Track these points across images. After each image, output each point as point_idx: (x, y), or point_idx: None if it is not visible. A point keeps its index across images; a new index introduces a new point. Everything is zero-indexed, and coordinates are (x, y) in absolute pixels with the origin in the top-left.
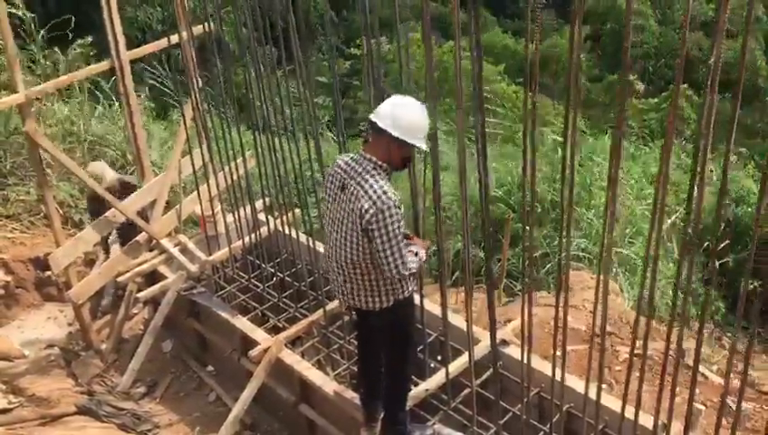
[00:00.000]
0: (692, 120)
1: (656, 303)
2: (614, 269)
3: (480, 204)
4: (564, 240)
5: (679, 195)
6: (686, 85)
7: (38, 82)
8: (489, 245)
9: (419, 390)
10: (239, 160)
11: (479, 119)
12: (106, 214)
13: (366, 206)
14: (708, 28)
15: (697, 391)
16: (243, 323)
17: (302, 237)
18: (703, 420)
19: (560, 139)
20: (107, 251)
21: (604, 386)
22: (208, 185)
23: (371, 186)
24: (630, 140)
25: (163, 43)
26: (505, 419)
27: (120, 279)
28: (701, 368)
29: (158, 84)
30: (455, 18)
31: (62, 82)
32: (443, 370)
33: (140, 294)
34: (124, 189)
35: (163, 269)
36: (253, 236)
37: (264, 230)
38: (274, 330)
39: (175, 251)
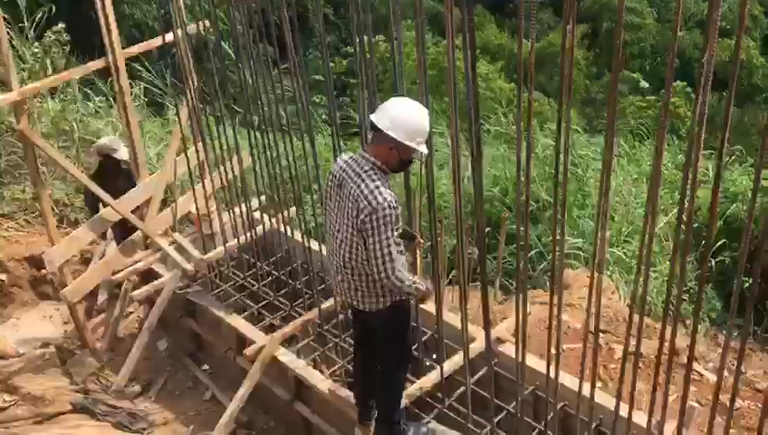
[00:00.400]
0: (688, 118)
1: (652, 301)
2: (610, 268)
3: (475, 202)
4: (558, 237)
5: (675, 193)
6: (684, 83)
7: (25, 78)
8: (482, 243)
9: (414, 388)
10: (234, 159)
11: (472, 117)
12: (101, 212)
13: (361, 205)
14: (705, 26)
15: (693, 388)
16: (238, 322)
17: (298, 236)
18: (697, 418)
19: (551, 142)
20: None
21: (599, 384)
22: (203, 183)
23: (367, 186)
24: (625, 138)
25: (158, 41)
26: (500, 416)
27: (114, 278)
28: (697, 366)
29: (152, 86)
30: (447, 16)
31: (58, 79)
32: (438, 368)
33: (135, 293)
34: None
35: (158, 268)
36: (248, 234)
37: (259, 229)
38: (270, 328)
39: (170, 249)
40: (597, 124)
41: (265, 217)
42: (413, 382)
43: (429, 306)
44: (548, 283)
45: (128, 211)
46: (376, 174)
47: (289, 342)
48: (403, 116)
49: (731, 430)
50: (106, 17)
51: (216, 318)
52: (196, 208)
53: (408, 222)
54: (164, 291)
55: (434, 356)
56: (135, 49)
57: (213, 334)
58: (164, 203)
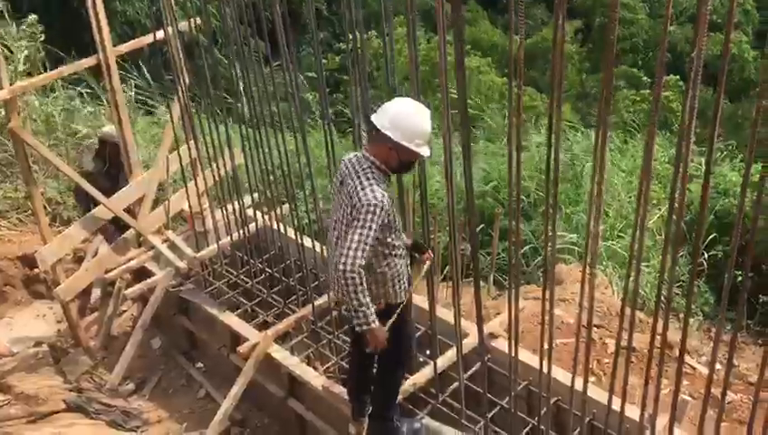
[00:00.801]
0: (680, 113)
1: (645, 295)
2: (604, 262)
3: (466, 198)
4: (550, 232)
5: (668, 188)
6: (677, 77)
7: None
8: (475, 239)
9: (408, 384)
10: (227, 156)
11: (462, 110)
12: (93, 211)
13: (353, 202)
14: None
15: (685, 382)
16: (231, 320)
17: (291, 233)
18: (690, 412)
19: (543, 138)
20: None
21: (593, 379)
22: (196, 181)
23: (362, 183)
24: (618, 133)
25: (149, 38)
26: (494, 412)
27: (108, 276)
28: (690, 360)
29: (139, 87)
30: (439, 11)
31: (49, 77)
32: (431, 364)
33: (128, 291)
34: None
35: (151, 266)
36: (241, 231)
37: (252, 226)
38: (263, 326)
39: (163, 248)
40: (590, 120)
41: (258, 214)
42: (406, 379)
43: (423, 302)
44: (541, 278)
45: (120, 209)
46: (373, 173)
47: (282, 339)
48: (402, 117)
49: (724, 424)
50: (96, 14)
51: (209, 316)
52: (189, 206)
53: (402, 219)
54: (157, 289)
55: (427, 352)
56: (126, 47)
57: (206, 332)
58: (156, 201)
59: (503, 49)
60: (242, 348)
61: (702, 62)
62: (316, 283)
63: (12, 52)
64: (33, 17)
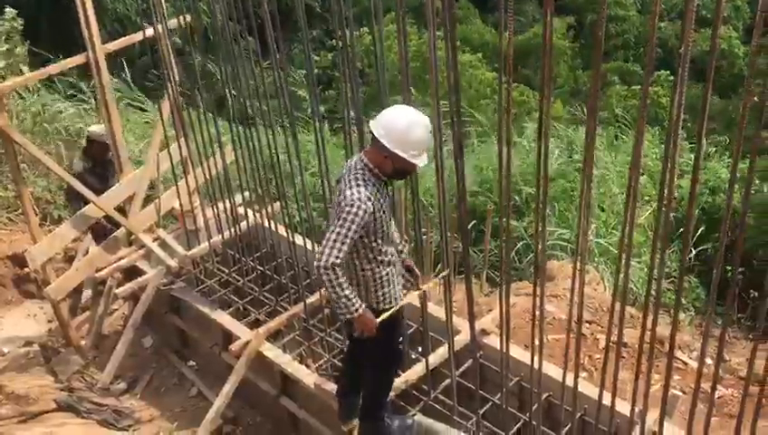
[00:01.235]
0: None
1: (636, 291)
2: (596, 259)
3: (458, 194)
4: (540, 228)
5: (658, 184)
6: (668, 72)
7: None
8: (466, 235)
9: (400, 381)
10: (218, 154)
11: (453, 104)
12: (83, 209)
13: (339, 201)
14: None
15: (676, 377)
16: (223, 318)
17: (282, 231)
18: (681, 407)
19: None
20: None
21: (585, 374)
22: (186, 179)
23: (350, 184)
24: (610, 129)
25: (139, 36)
26: (485, 408)
27: (98, 275)
28: (681, 355)
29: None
30: (428, 7)
31: (36, 75)
32: (423, 361)
33: (119, 290)
34: None
35: (142, 264)
36: (232, 229)
37: (243, 224)
38: (255, 324)
39: (154, 246)
40: (582, 116)
41: (250, 212)
42: (398, 376)
43: (414, 299)
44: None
45: (111, 208)
46: (364, 175)
47: (275, 337)
48: (398, 126)
49: (714, 418)
50: (85, 11)
51: (201, 314)
52: (180, 204)
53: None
54: (148, 288)
55: (419, 349)
56: (115, 44)
57: (198, 330)
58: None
59: (494, 46)
60: (234, 346)
61: (689, 57)
62: (308, 280)
63: None
64: (10, 11)
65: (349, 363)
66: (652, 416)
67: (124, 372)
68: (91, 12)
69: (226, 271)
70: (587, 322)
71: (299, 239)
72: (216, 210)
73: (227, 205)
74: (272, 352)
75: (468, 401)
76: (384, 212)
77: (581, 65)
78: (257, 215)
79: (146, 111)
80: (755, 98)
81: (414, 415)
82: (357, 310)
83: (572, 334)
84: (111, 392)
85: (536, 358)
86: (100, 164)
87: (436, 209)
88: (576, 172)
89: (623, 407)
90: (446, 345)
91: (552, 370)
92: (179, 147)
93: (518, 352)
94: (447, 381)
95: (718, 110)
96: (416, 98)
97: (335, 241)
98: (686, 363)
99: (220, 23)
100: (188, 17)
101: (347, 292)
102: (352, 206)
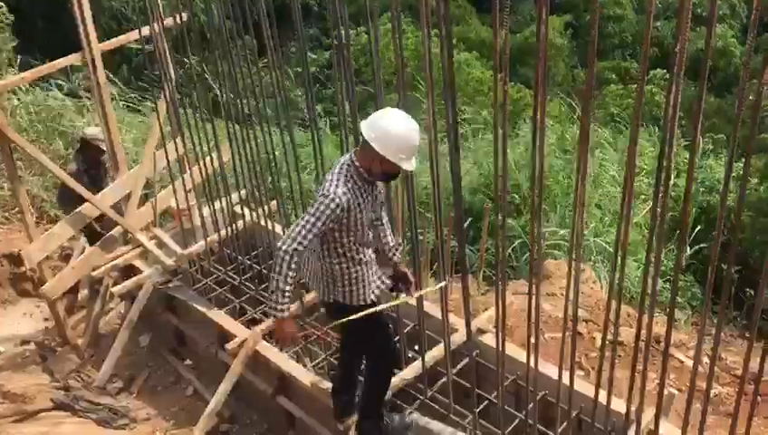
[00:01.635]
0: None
1: (633, 290)
2: (592, 257)
3: (454, 192)
4: (536, 227)
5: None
6: (664, 71)
7: None
8: (462, 234)
9: (396, 379)
10: (214, 153)
11: (450, 104)
12: (79, 208)
13: (318, 191)
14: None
15: (672, 375)
16: (220, 317)
17: (279, 229)
18: (677, 405)
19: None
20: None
21: (581, 373)
22: (183, 178)
23: (331, 179)
24: (606, 128)
25: (135, 34)
26: (482, 406)
27: (95, 274)
28: (678, 354)
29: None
30: (421, 7)
31: (35, 73)
32: (419, 359)
33: (116, 289)
34: None
35: (138, 263)
36: (229, 228)
37: (240, 223)
38: (252, 322)
39: (150, 245)
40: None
41: (246, 210)
42: (395, 374)
43: (410, 298)
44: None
45: (107, 206)
46: (349, 173)
47: (271, 335)
48: (387, 130)
49: (711, 417)
50: (81, 9)
51: (197, 313)
52: (176, 203)
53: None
54: (145, 286)
55: (416, 347)
56: (111, 43)
57: (195, 329)
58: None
59: (490, 44)
60: (230, 345)
61: (685, 55)
62: (303, 280)
63: None
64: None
65: (343, 362)
66: (648, 414)
67: (120, 371)
68: (87, 9)
69: (223, 270)
70: (583, 320)
71: None
72: (212, 209)
73: (224, 203)
74: (268, 350)
75: (464, 399)
76: (362, 213)
77: (578, 63)
78: (254, 213)
79: (140, 110)
80: (750, 96)
81: (411, 413)
82: (282, 311)
83: (568, 333)
84: (108, 391)
85: (532, 356)
86: (93, 166)
87: (431, 208)
88: (570, 170)
89: (619, 405)
90: (443, 344)
91: (549, 368)
92: (176, 146)
93: (514, 351)
94: (444, 379)
95: (715, 108)
96: (412, 96)
97: (302, 227)
98: (681, 362)
99: (216, 21)
100: (185, 16)
101: (287, 287)
102: (326, 198)
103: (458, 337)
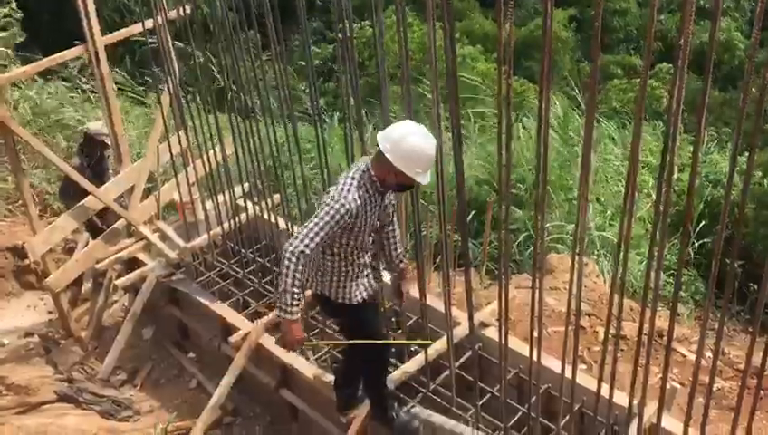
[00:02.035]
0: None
1: (636, 284)
2: (596, 251)
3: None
4: (540, 220)
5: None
6: (670, 65)
7: None
8: (465, 227)
9: (399, 373)
10: (217, 146)
11: (453, 96)
12: (83, 201)
13: (329, 192)
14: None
15: (675, 370)
16: (223, 310)
17: (282, 223)
18: (680, 399)
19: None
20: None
21: (584, 366)
22: (186, 171)
23: (345, 182)
24: (611, 122)
25: (138, 27)
26: (484, 400)
27: (98, 266)
28: (681, 348)
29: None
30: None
31: (38, 66)
32: (422, 352)
33: (119, 282)
34: None
35: (142, 256)
36: (232, 221)
37: (243, 216)
38: (255, 315)
39: (154, 238)
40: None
41: (249, 204)
42: (397, 367)
43: (413, 291)
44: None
45: (111, 200)
46: (362, 179)
47: (274, 328)
48: (404, 144)
49: (713, 411)
50: (85, 2)
51: (200, 306)
52: (179, 196)
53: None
54: (148, 279)
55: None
56: (114, 36)
57: (198, 322)
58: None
59: (495, 38)
60: (233, 338)
61: (689, 49)
62: None
63: None
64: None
65: (346, 355)
66: (650, 408)
67: (124, 364)
68: (90, 3)
69: (226, 263)
70: (586, 314)
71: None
72: (215, 202)
73: (227, 197)
74: (271, 343)
75: (467, 392)
76: (367, 220)
77: (583, 57)
78: (257, 207)
79: (144, 102)
80: (753, 89)
81: (413, 406)
82: (290, 314)
83: (571, 327)
84: (111, 383)
85: (535, 350)
86: (96, 161)
87: (434, 201)
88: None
89: (622, 399)
90: (446, 337)
91: (551, 362)
92: (179, 139)
93: (517, 344)
94: (447, 373)
95: (720, 102)
96: (415, 90)
97: (310, 230)
98: (684, 356)
99: (220, 14)
100: (188, 8)
101: (295, 290)
102: (336, 202)
103: (461, 330)
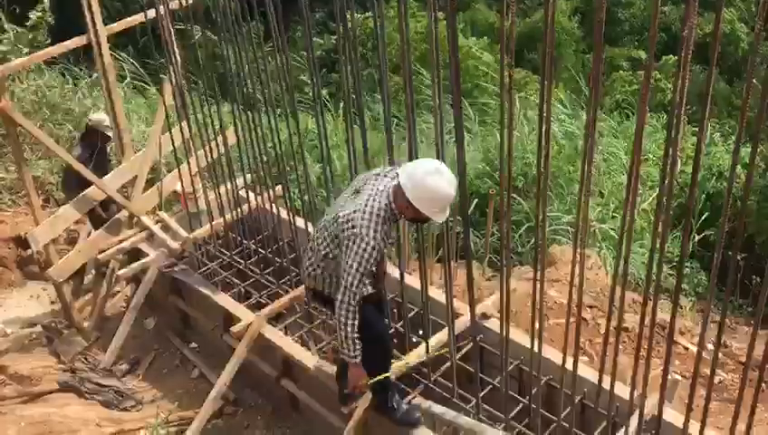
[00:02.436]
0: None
1: (638, 276)
2: (598, 243)
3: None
4: (541, 212)
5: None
6: (675, 57)
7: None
8: (466, 218)
9: (400, 364)
10: (220, 137)
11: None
12: (85, 191)
13: (355, 230)
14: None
15: (677, 362)
16: (225, 300)
17: (284, 214)
18: (681, 391)
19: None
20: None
21: (585, 359)
22: (188, 162)
23: (372, 218)
24: (614, 114)
25: (140, 17)
26: (485, 391)
27: (101, 257)
28: (683, 340)
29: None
30: None
31: (38, 56)
32: (423, 344)
33: (122, 272)
34: None
35: (144, 247)
36: (234, 212)
37: (245, 207)
38: (257, 306)
39: (156, 228)
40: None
41: (251, 194)
42: (399, 359)
43: (415, 283)
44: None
45: (114, 190)
46: (386, 213)
47: (276, 319)
48: (425, 183)
49: (714, 403)
50: None
51: (203, 296)
52: (182, 187)
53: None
54: (150, 270)
55: (420, 332)
56: (117, 26)
57: (200, 312)
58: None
59: (498, 29)
60: (235, 328)
61: (693, 40)
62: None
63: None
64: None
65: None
66: (652, 400)
67: (126, 354)
68: None
69: (228, 254)
70: (588, 306)
71: (300, 222)
72: (218, 193)
73: (229, 187)
74: (273, 334)
75: (468, 384)
76: (383, 250)
77: (587, 49)
78: (259, 198)
79: (148, 87)
80: (753, 80)
81: (414, 397)
82: (355, 357)
83: (573, 319)
84: (114, 373)
85: (536, 342)
86: (98, 152)
87: None
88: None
89: (623, 391)
90: (447, 329)
91: (553, 354)
92: (181, 129)
93: (518, 336)
94: (447, 364)
95: (724, 94)
96: (416, 78)
97: (353, 277)
98: (686, 348)
99: (222, 3)
100: None
101: (355, 336)
102: (365, 243)
103: (462, 322)
